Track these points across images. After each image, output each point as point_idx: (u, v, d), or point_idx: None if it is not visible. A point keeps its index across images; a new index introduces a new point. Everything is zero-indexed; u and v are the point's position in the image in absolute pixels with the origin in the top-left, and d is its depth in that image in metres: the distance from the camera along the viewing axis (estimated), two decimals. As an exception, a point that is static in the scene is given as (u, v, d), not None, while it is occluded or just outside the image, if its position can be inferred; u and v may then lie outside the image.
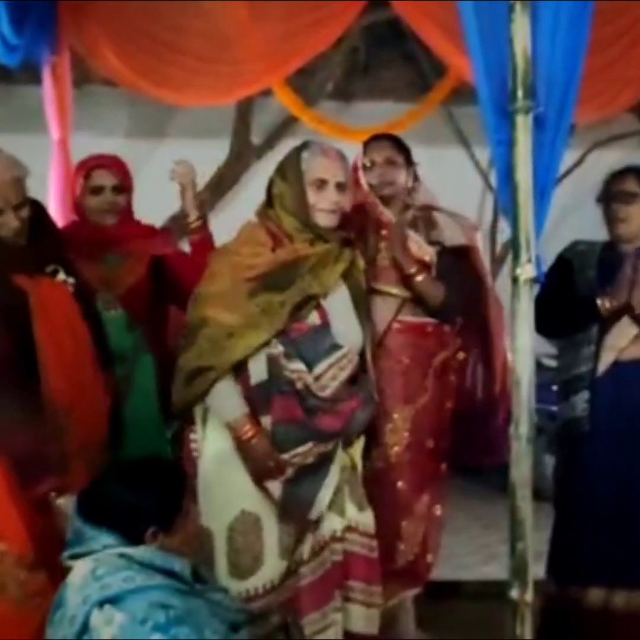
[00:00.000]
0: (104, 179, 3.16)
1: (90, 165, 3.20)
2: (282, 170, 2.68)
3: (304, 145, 2.70)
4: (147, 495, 2.15)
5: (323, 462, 2.59)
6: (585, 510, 2.94)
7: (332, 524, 2.63)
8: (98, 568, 2.05)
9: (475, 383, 3.17)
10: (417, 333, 3.10)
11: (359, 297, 2.73)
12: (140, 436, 2.92)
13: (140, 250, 3.17)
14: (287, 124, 6.35)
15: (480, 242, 3.26)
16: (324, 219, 2.64)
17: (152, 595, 2.02)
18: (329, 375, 2.57)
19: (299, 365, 2.55)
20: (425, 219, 3.16)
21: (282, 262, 2.61)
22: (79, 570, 2.08)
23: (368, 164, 3.13)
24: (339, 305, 2.67)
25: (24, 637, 2.35)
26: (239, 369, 2.57)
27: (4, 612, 2.38)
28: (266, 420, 2.56)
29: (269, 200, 2.70)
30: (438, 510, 3.13)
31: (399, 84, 6.37)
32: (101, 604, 2.00)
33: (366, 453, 2.79)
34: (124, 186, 3.20)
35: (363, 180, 3.08)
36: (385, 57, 6.37)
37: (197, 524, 2.25)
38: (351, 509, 2.67)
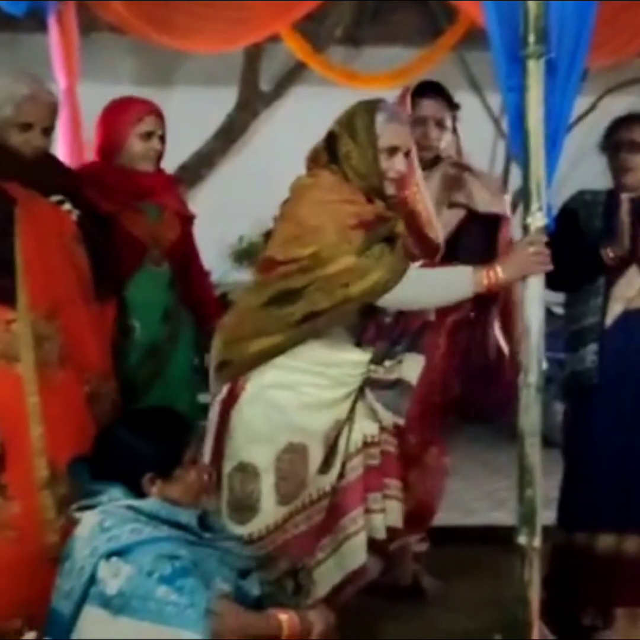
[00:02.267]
0: (155, 125, 3.12)
1: (145, 110, 3.13)
2: (351, 128, 2.62)
3: (377, 107, 2.63)
4: (148, 440, 2.17)
5: None
6: (594, 459, 2.95)
7: (368, 430, 2.70)
8: (105, 520, 2.08)
9: (489, 342, 3.15)
10: None
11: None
12: (179, 391, 3.06)
13: (171, 204, 3.17)
14: (296, 71, 6.28)
15: (508, 208, 3.22)
16: (390, 187, 2.64)
17: (158, 547, 2.04)
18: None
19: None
20: (454, 177, 3.13)
21: (380, 214, 2.60)
22: (87, 522, 2.11)
23: (417, 118, 3.03)
24: None
25: None
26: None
27: None
28: None
29: (332, 154, 2.64)
30: (444, 461, 3.19)
31: (409, 28, 6.26)
32: (108, 555, 2.03)
33: None
34: (165, 136, 3.18)
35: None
36: (395, 1, 6.27)
37: (201, 475, 2.26)
38: (380, 409, 2.72)
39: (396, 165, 2.62)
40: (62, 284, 2.58)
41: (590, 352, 2.94)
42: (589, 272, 2.95)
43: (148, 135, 3.11)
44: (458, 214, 3.12)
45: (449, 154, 3.19)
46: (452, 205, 3.11)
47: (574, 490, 3.01)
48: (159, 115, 3.16)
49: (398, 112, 2.72)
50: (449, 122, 3.14)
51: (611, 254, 2.91)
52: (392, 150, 2.61)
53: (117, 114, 3.15)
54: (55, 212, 2.68)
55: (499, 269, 2.44)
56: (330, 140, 2.65)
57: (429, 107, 3.10)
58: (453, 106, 3.19)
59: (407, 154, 2.65)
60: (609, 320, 2.94)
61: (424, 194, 2.93)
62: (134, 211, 3.04)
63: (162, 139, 3.16)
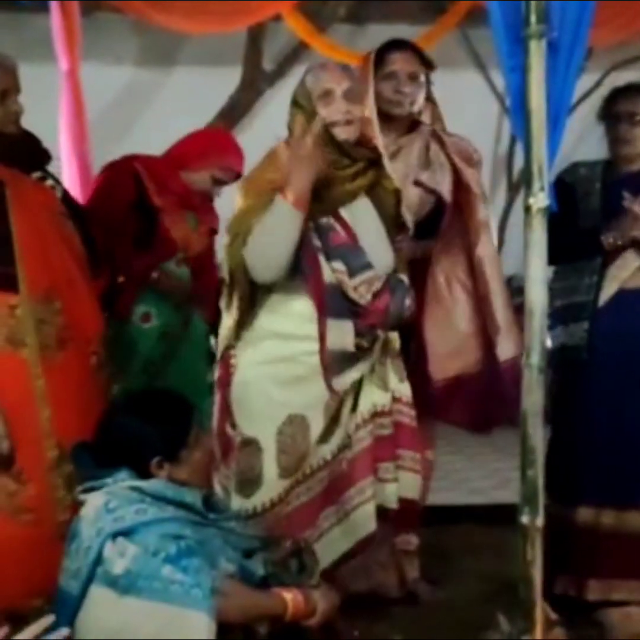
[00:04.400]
0: (238, 167, 3.29)
1: (235, 171, 3.28)
2: (293, 99, 2.69)
3: (307, 69, 2.70)
4: (153, 424, 2.19)
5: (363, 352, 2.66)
6: (579, 433, 2.97)
7: (378, 399, 2.71)
8: (111, 501, 2.10)
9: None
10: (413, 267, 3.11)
11: (387, 219, 2.75)
12: (193, 371, 3.27)
13: (208, 221, 3.38)
14: (300, 50, 6.24)
15: (479, 177, 3.09)
16: (341, 132, 2.62)
17: (164, 527, 2.06)
18: (362, 290, 2.61)
19: (340, 266, 2.59)
20: (430, 152, 3.04)
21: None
22: (93, 503, 2.13)
23: (387, 73, 2.94)
24: (367, 226, 2.69)
25: (16, 553, 2.42)
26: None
27: None
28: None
29: (291, 132, 2.70)
30: (430, 455, 3.16)
31: (412, 6, 6.22)
32: (114, 536, 2.05)
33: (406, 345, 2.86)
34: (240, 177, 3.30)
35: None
36: (399, -22, 6.23)
37: (206, 453, 2.28)
38: (394, 380, 2.75)
39: (337, 107, 2.60)
40: (59, 262, 2.59)
41: (580, 329, 2.94)
42: (587, 252, 2.95)
43: (219, 183, 3.31)
44: (428, 199, 3.03)
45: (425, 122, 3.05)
46: (418, 184, 3.00)
47: (558, 462, 3.02)
48: (242, 168, 3.27)
49: (326, 62, 2.75)
50: (423, 78, 2.97)
51: (611, 241, 2.90)
52: (327, 94, 2.60)
53: (212, 152, 3.31)
54: (41, 189, 2.70)
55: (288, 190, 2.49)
56: (288, 121, 2.70)
57: (398, 60, 2.95)
58: (427, 64, 3.00)
59: (350, 95, 2.59)
60: (603, 299, 2.94)
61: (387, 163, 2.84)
62: (178, 215, 3.25)
63: (230, 182, 3.31)
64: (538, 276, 2.28)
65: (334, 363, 2.62)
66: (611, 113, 2.98)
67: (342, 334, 2.61)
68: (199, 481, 2.25)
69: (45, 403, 2.48)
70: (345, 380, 2.65)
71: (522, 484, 2.27)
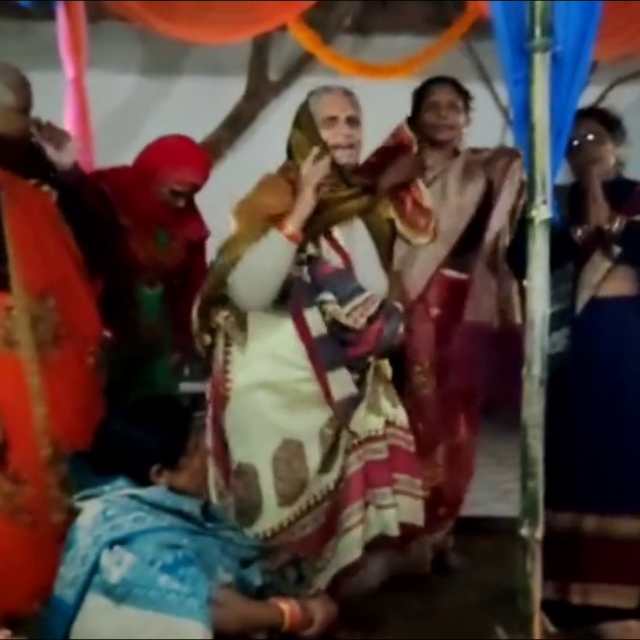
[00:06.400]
0: (188, 189, 3.17)
1: (189, 179, 3.16)
2: (295, 121, 2.72)
3: (310, 93, 2.74)
4: (152, 432, 2.18)
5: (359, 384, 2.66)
6: (562, 441, 2.96)
7: (371, 424, 2.71)
8: (108, 509, 2.10)
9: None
10: (454, 288, 3.15)
11: (381, 245, 2.78)
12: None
13: (185, 234, 3.27)
14: (305, 60, 6.26)
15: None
16: (341, 156, 2.66)
17: (161, 536, 2.06)
18: (356, 314, 2.60)
19: (328, 296, 2.58)
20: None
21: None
22: (90, 511, 2.13)
23: (429, 105, 3.20)
24: (361, 252, 2.71)
25: (15, 554, 2.42)
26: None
27: None
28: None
29: (290, 155, 2.73)
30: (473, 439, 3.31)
31: (417, 17, 6.24)
32: (111, 544, 2.05)
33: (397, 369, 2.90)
34: (200, 187, 3.22)
35: (406, 128, 3.14)
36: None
37: (203, 461, 2.28)
38: (386, 405, 2.75)
39: (340, 131, 2.65)
40: (56, 262, 2.60)
41: (562, 337, 2.95)
42: (560, 255, 2.96)
43: (177, 195, 3.16)
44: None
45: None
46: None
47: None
48: (196, 186, 3.18)
49: (330, 87, 2.78)
50: (461, 104, 3.25)
51: (579, 233, 2.92)
52: (331, 120, 2.66)
53: (167, 161, 3.15)
54: (38, 192, 2.72)
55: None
56: (288, 141, 2.74)
57: (439, 90, 3.24)
58: (464, 92, 3.29)
59: (352, 122, 2.67)
60: (579, 306, 2.97)
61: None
62: (145, 232, 3.15)
63: (199, 189, 3.19)
64: (539, 287, 2.28)
65: (344, 408, 2.62)
66: (574, 136, 3.00)
67: (343, 382, 2.62)
68: (196, 487, 2.25)
69: (41, 401, 2.49)
70: (356, 418, 2.66)
71: (523, 495, 2.27)
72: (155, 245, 3.19)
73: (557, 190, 3.06)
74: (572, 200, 3.01)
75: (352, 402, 2.64)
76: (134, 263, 3.13)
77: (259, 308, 2.60)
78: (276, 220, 2.57)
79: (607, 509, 2.95)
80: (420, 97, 3.29)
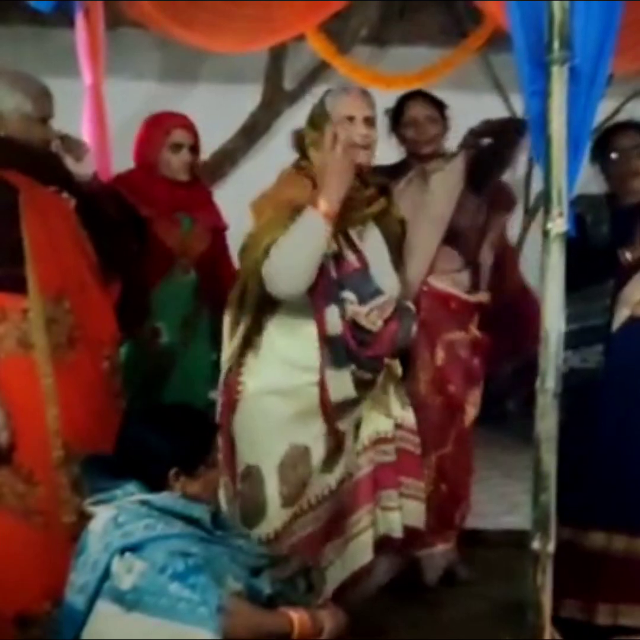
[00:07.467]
0: (184, 137, 3.31)
1: (172, 123, 3.34)
2: (310, 121, 2.72)
3: (325, 92, 2.74)
4: (172, 438, 2.18)
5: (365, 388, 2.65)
6: (590, 458, 2.95)
7: (382, 426, 2.70)
8: (120, 515, 2.10)
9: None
10: (439, 301, 3.18)
11: (394, 246, 2.78)
12: (197, 387, 3.24)
13: (205, 217, 3.37)
14: (320, 70, 6.27)
15: None
16: (358, 155, 2.64)
17: (172, 544, 2.05)
18: (374, 316, 2.61)
19: (350, 295, 2.58)
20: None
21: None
22: (101, 517, 2.13)
23: (408, 121, 3.31)
24: (376, 252, 2.71)
25: (27, 555, 2.43)
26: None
27: (6, 524, 2.45)
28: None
29: (302, 154, 2.72)
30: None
31: (434, 28, 6.25)
32: (122, 551, 2.04)
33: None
34: (197, 147, 3.36)
35: None
36: (420, 0, 6.25)
37: (217, 471, 2.29)
38: (396, 407, 2.75)
39: (358, 131, 2.64)
40: (72, 266, 2.62)
41: (595, 353, 2.94)
42: (600, 273, 2.96)
43: (177, 147, 3.29)
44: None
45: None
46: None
47: (566, 485, 3.00)
48: (186, 127, 3.33)
49: (347, 87, 2.80)
50: (437, 115, 3.35)
51: (628, 256, 2.92)
52: (348, 120, 2.65)
53: (148, 129, 3.36)
54: (56, 197, 2.73)
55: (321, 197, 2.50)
56: (299, 141, 2.73)
57: (416, 106, 3.35)
58: (438, 103, 3.39)
59: (369, 121, 2.67)
60: (616, 324, 2.96)
61: None
62: (169, 220, 3.25)
63: (194, 149, 3.33)
64: (554, 301, 2.28)
65: (337, 408, 2.61)
66: (612, 149, 3.00)
67: (343, 384, 2.60)
68: (208, 497, 2.24)
69: (53, 402, 2.50)
70: (349, 420, 2.65)
71: (534, 509, 2.26)
72: (180, 231, 3.27)
73: (583, 200, 3.11)
74: (618, 218, 3.01)
75: (348, 406, 2.63)
76: (164, 251, 3.21)
77: (297, 294, 2.53)
78: (301, 211, 2.54)
79: (638, 529, 2.94)
80: (398, 113, 3.39)
